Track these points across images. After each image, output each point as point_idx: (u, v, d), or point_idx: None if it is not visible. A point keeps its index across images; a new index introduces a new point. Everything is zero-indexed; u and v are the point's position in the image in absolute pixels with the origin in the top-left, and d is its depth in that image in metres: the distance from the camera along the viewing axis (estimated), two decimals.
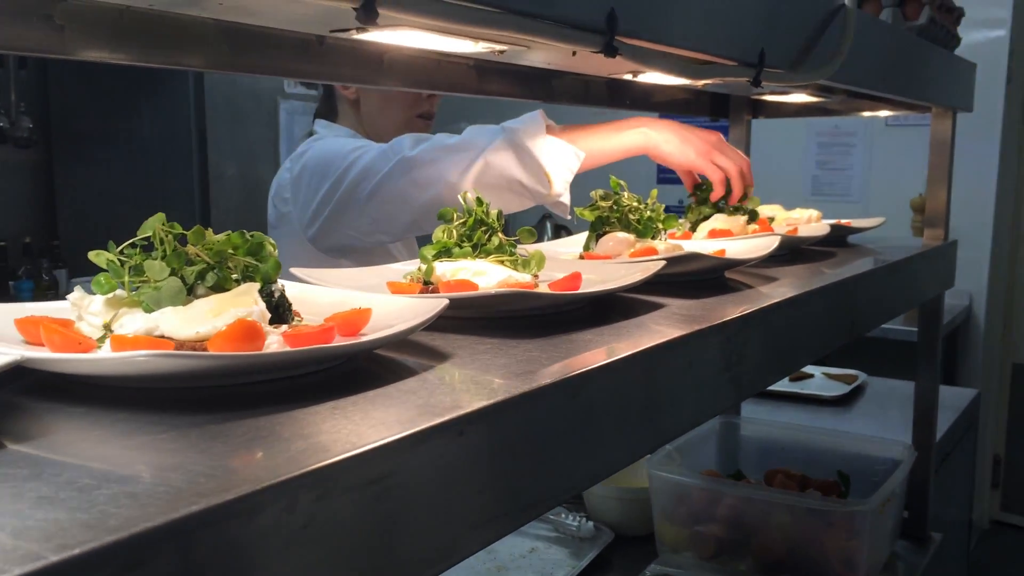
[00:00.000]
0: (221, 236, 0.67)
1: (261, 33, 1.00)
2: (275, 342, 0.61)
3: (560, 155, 1.47)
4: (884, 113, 2.05)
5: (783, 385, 2.53)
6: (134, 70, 0.94)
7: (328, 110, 1.95)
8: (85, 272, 3.45)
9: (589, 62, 0.97)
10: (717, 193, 1.49)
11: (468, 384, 0.62)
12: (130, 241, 0.66)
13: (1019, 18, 3.93)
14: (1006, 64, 3.88)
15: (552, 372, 0.64)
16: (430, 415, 0.53)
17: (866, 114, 2.05)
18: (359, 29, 0.71)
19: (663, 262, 0.97)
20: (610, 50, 0.65)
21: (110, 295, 0.65)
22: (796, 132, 4.26)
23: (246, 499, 0.41)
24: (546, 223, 4.57)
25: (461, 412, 0.54)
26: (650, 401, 0.73)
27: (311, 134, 1.90)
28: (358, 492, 0.47)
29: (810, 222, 1.56)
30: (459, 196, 0.94)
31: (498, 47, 0.82)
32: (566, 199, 1.51)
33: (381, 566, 0.49)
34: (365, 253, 1.72)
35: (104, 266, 0.65)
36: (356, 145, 1.65)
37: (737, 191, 1.49)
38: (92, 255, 0.65)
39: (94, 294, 0.65)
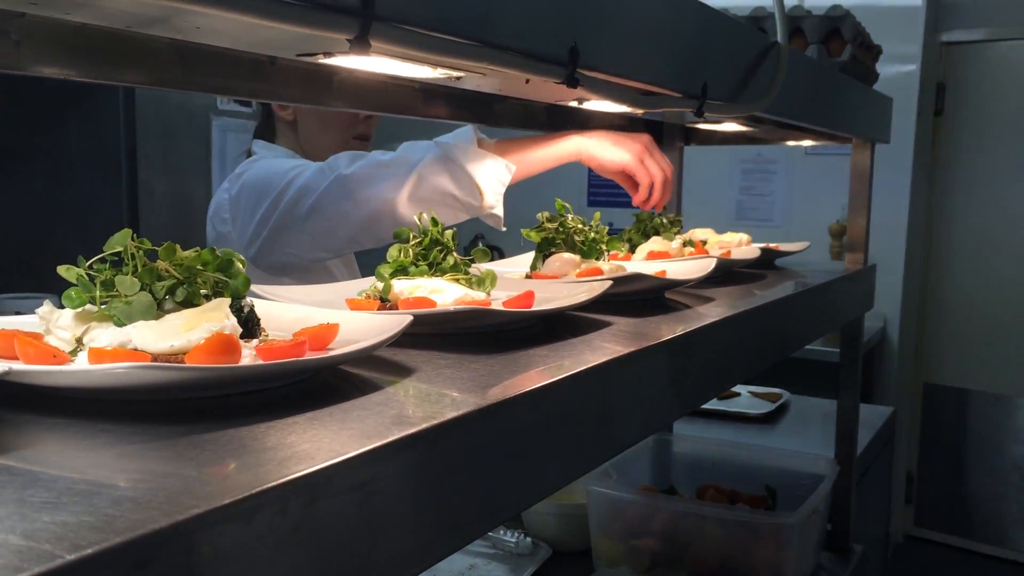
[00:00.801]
0: (191, 252, 0.68)
1: (216, 53, 1.01)
2: (249, 355, 0.62)
3: (492, 168, 1.51)
4: (806, 143, 2.15)
5: (712, 403, 2.61)
6: (60, 82, 0.94)
7: (266, 130, 1.95)
8: (5, 289, 3.34)
9: (539, 89, 1.01)
10: (640, 196, 1.55)
11: (437, 397, 0.64)
12: (99, 256, 0.67)
13: (928, 55, 4.14)
14: (916, 98, 4.08)
15: (515, 385, 0.67)
16: (406, 425, 0.55)
17: (790, 143, 2.15)
18: (326, 54, 0.73)
19: (610, 282, 1.01)
20: (572, 81, 0.69)
21: (79, 309, 0.65)
22: (722, 159, 4.41)
23: (243, 502, 0.43)
24: (478, 243, 4.61)
25: (435, 422, 0.57)
26: (604, 413, 0.77)
27: (250, 154, 1.90)
28: (342, 497, 0.49)
29: (741, 245, 1.63)
30: (414, 216, 0.96)
31: (456, 74, 0.86)
32: (499, 211, 1.54)
33: (363, 567, 0.51)
34: (304, 271, 1.73)
35: (74, 281, 0.65)
36: (294, 164, 1.67)
37: (656, 197, 1.55)
38: (62, 270, 0.66)
39: (63, 308, 0.66)
